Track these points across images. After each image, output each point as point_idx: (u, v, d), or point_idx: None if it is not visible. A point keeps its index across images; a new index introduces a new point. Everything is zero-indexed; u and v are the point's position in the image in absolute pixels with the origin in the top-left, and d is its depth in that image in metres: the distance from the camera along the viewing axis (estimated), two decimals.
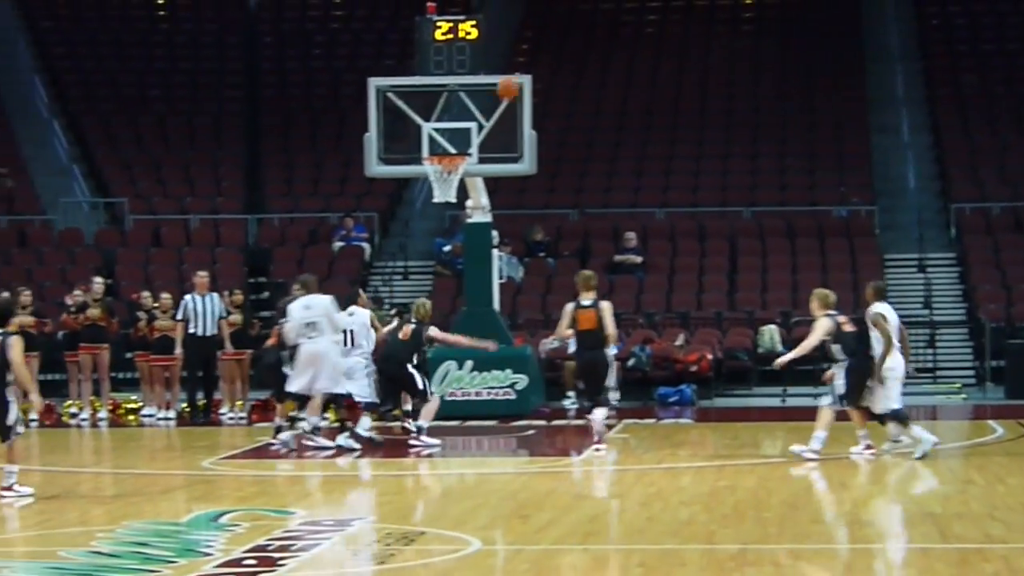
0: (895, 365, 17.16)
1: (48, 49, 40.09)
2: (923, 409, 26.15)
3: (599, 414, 18.20)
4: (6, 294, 22.43)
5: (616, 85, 39.31)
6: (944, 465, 17.54)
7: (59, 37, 40.88)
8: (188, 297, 23.75)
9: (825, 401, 17.40)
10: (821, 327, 17.26)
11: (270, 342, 20.53)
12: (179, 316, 23.61)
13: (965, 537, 11.99)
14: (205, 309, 23.53)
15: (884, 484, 15.69)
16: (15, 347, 14.90)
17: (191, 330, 23.45)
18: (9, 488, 14.63)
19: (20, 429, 15.12)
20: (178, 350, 23.50)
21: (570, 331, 18.25)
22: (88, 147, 37.26)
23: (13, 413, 14.80)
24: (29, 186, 35.14)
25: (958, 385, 27.58)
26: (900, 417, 17.23)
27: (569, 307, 18.09)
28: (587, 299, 18.01)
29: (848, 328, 17.36)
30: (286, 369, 19.19)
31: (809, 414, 18.64)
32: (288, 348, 19.12)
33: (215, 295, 24.03)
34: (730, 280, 31.28)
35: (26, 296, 23.90)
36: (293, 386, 18.90)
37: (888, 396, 17.14)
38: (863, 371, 17.11)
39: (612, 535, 12.91)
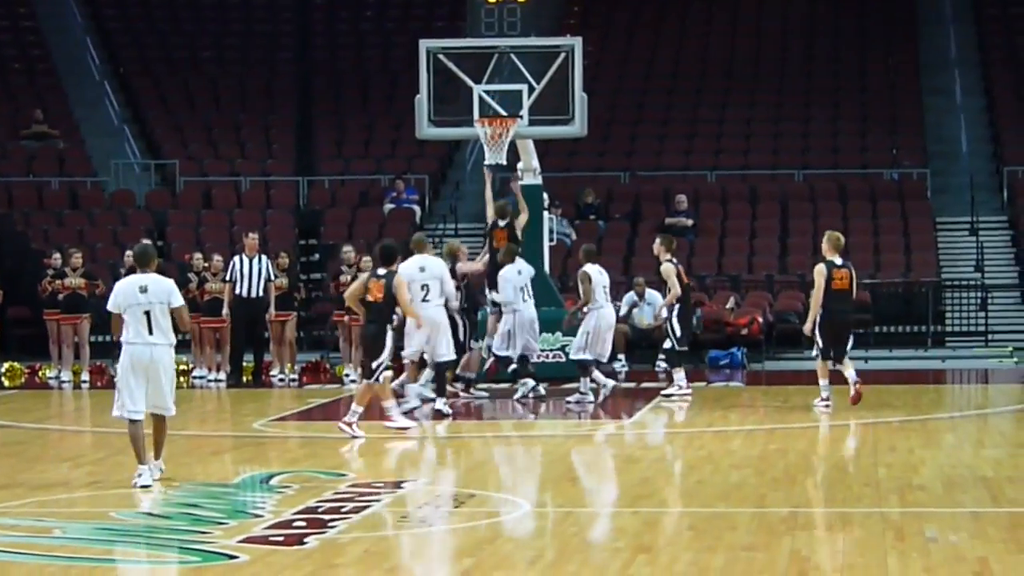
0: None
1: (100, 10, 40.24)
2: (975, 372, 26.04)
3: None
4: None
5: (668, 47, 39.12)
6: (996, 428, 17.44)
7: None
8: (236, 258, 23.82)
9: None
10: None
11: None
12: (227, 277, 23.69)
13: (1017, 500, 11.94)
14: (252, 271, 23.56)
15: (935, 448, 15.60)
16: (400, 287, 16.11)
17: (237, 292, 23.51)
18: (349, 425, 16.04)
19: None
20: (225, 311, 23.56)
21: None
22: (140, 109, 37.39)
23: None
24: (81, 148, 35.28)
25: (1010, 349, 27.39)
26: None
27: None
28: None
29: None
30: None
31: (861, 377, 18.55)
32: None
33: (264, 257, 24.05)
34: (781, 243, 31.13)
35: (77, 258, 24.03)
36: (408, 350, 18.38)
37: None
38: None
39: (662, 498, 12.88)
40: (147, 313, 12.65)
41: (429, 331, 17.90)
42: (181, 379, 23.50)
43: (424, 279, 18.01)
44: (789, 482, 13.04)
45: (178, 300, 12.92)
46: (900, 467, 14.09)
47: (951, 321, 29.03)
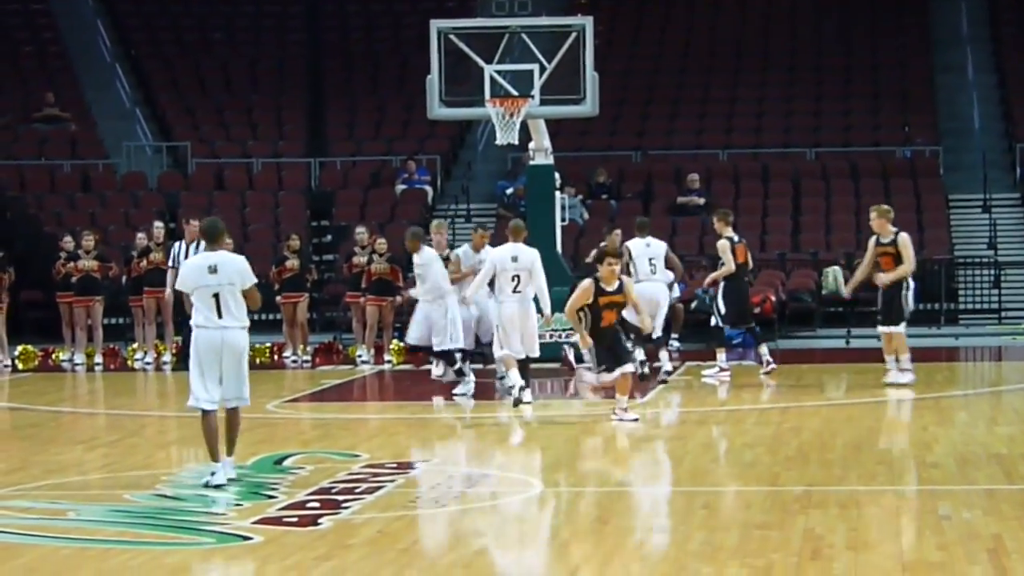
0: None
1: None
2: (988, 350, 26.00)
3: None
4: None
5: (679, 26, 39.00)
6: (1009, 406, 17.42)
7: None
8: (177, 244, 22.30)
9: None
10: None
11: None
12: (170, 263, 22.72)
13: None
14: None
15: (948, 425, 15.58)
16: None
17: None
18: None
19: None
20: (168, 293, 22.76)
21: None
22: (151, 91, 37.38)
23: None
24: (92, 130, 35.29)
25: (1023, 325, 27.35)
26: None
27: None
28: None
29: None
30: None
31: (875, 355, 18.53)
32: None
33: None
34: (794, 221, 31.05)
35: (89, 241, 24.01)
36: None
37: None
38: None
39: (676, 477, 12.89)
40: (216, 296, 11.80)
41: (517, 325, 17.00)
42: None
43: (516, 268, 17.09)
44: (803, 461, 13.03)
45: (251, 279, 12.03)
46: (914, 445, 14.09)
47: (964, 298, 28.96)
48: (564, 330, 20.60)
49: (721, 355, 19.99)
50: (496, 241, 19.93)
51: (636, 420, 15.30)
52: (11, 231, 30.40)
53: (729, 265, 19.29)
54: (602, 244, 18.36)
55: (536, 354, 17.38)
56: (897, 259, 18.29)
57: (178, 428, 15.83)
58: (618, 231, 20.57)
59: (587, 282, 14.97)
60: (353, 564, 9.18)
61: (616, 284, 14.86)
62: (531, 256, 17.16)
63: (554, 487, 12.19)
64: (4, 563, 9.33)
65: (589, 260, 18.23)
